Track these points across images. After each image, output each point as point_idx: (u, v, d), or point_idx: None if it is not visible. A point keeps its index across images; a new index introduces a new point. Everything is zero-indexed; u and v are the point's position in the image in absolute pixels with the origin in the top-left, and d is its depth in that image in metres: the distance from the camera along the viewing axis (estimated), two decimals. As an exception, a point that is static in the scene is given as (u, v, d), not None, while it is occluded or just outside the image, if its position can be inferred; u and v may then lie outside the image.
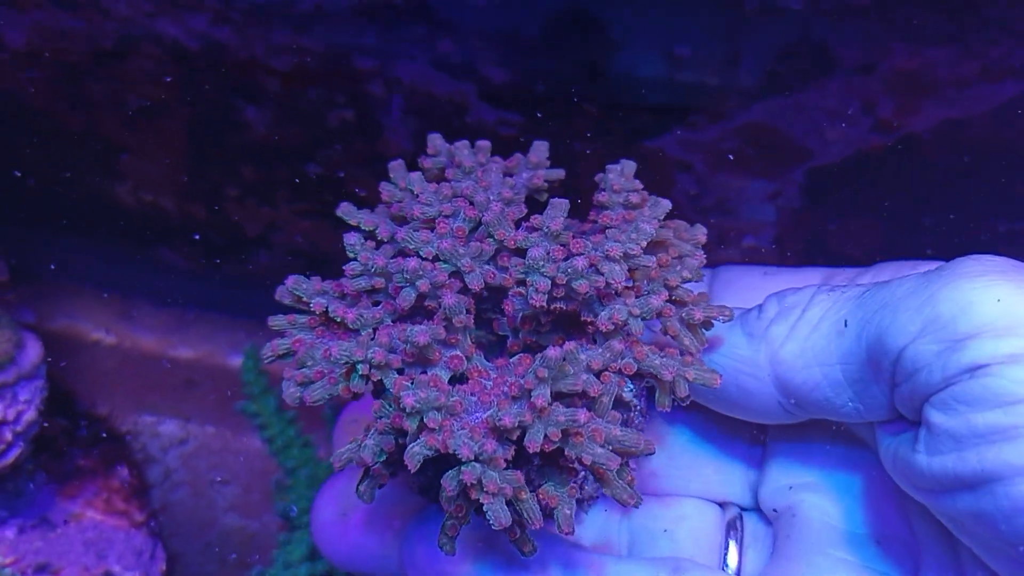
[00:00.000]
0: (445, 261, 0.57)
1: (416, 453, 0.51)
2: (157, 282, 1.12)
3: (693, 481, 0.65)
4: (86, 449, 1.08)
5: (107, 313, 1.14)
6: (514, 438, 0.51)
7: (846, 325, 0.53)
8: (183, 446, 1.13)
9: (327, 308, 0.57)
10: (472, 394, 0.53)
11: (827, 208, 0.89)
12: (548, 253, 0.55)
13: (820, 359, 0.54)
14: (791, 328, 0.55)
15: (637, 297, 0.56)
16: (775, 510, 0.62)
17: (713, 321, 0.58)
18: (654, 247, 0.59)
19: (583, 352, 0.54)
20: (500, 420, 0.49)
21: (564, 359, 0.51)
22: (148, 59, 0.87)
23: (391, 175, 0.63)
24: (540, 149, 0.66)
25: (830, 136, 0.82)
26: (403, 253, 0.59)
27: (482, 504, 0.50)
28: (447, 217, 0.58)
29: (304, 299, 0.58)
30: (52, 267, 1.11)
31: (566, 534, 0.53)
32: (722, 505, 0.66)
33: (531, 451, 0.50)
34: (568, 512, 0.53)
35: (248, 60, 0.85)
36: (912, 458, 0.49)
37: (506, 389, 0.52)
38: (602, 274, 0.54)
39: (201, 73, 0.87)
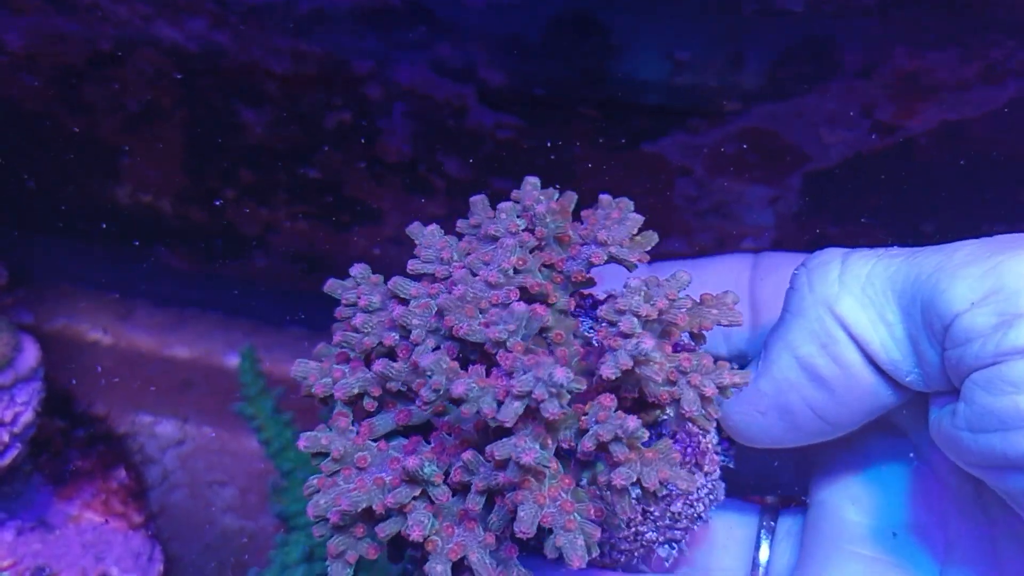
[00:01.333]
0: (401, 325, 0.54)
1: (311, 486, 0.52)
2: (155, 283, 1.12)
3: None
4: (84, 450, 1.07)
5: (105, 313, 1.14)
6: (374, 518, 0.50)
7: (901, 283, 0.50)
8: (180, 447, 1.13)
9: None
10: (393, 452, 0.52)
11: (827, 211, 0.88)
12: (440, 363, 0.49)
13: (885, 318, 0.51)
14: (838, 283, 0.51)
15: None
16: (809, 504, 0.62)
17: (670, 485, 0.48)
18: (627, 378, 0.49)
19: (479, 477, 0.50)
20: (337, 503, 0.50)
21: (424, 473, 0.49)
22: (146, 62, 0.87)
23: (471, 208, 0.59)
24: (624, 227, 0.56)
25: (830, 139, 0.82)
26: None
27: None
28: (438, 280, 0.55)
29: (342, 302, 0.58)
30: (50, 268, 1.11)
31: None
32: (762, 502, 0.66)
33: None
34: None
35: (246, 63, 0.85)
36: (956, 433, 0.48)
37: (402, 465, 0.51)
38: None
39: (199, 76, 0.87)
